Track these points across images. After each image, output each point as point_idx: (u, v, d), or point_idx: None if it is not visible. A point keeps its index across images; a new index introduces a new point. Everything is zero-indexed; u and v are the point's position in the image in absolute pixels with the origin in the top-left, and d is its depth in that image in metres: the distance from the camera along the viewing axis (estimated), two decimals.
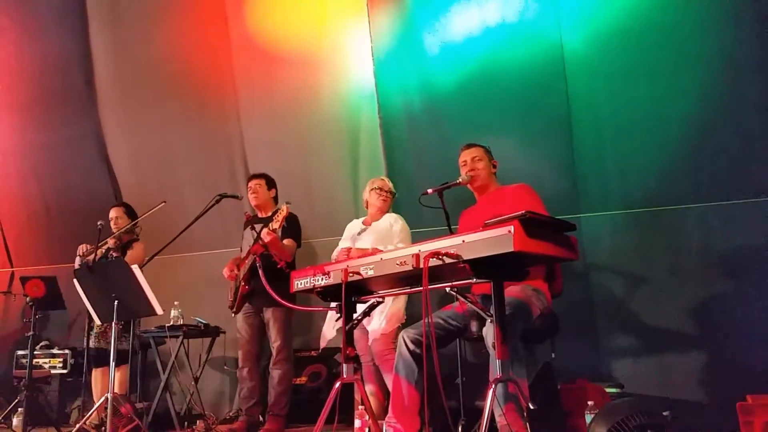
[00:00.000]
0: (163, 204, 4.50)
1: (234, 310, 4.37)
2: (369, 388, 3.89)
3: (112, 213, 4.98)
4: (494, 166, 3.47)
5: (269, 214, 4.52)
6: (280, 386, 4.20)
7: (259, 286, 4.13)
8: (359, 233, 4.12)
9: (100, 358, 4.64)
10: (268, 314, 4.28)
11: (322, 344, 4.10)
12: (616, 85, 4.33)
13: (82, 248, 4.75)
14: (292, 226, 4.27)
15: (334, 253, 4.12)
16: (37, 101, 6.00)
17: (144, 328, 4.77)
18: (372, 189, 4.18)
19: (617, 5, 4.29)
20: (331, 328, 4.03)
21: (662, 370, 4.09)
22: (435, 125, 4.78)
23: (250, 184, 4.54)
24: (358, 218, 4.36)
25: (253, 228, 4.36)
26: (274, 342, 4.24)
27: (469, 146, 3.50)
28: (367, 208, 4.26)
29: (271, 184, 4.60)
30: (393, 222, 4.03)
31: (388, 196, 4.16)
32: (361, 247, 3.92)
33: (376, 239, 3.95)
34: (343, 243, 4.16)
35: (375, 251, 3.79)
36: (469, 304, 2.48)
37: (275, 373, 4.21)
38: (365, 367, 3.96)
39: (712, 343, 4.02)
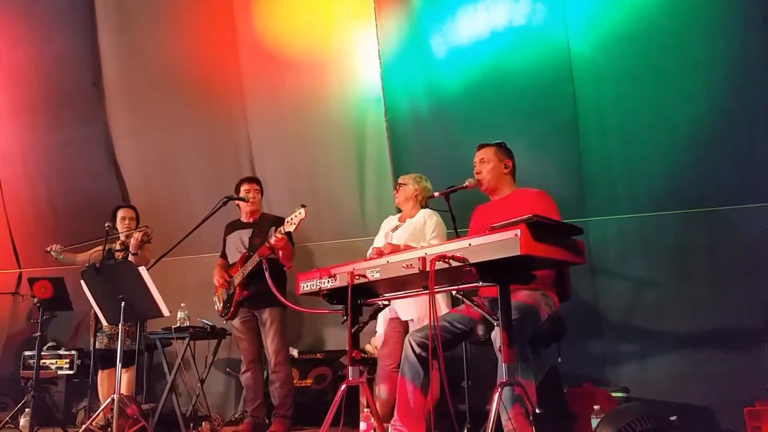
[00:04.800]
0: (146, 228, 4.75)
1: (229, 317, 4.37)
2: (383, 390, 3.82)
3: (123, 213, 4.98)
4: (506, 167, 3.32)
5: (257, 218, 4.51)
6: (283, 388, 4.21)
7: (257, 288, 4.15)
8: (393, 229, 4.03)
9: (106, 359, 4.66)
10: (266, 315, 4.28)
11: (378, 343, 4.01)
12: (623, 89, 4.33)
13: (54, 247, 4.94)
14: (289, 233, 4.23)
15: (369, 252, 3.95)
16: (45, 103, 6.03)
17: (150, 330, 4.78)
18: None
19: (624, 9, 4.28)
20: (381, 321, 3.92)
21: (669, 375, 4.08)
22: (442, 128, 4.78)
23: (247, 188, 4.50)
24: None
25: (257, 231, 4.37)
26: (272, 342, 4.24)
27: (480, 147, 3.39)
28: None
29: (261, 189, 4.62)
30: (427, 218, 3.89)
31: (400, 187, 4.08)
32: (393, 243, 3.73)
33: (410, 236, 3.86)
34: (377, 240, 4.07)
35: (407, 248, 3.70)
36: (475, 307, 2.47)
37: (278, 376, 4.22)
38: (383, 371, 3.85)
39: (719, 348, 4.00)
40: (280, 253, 4.09)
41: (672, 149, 4.24)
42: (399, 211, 4.23)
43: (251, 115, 5.49)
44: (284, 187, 5.41)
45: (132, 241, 4.66)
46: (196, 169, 5.73)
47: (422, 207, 4.01)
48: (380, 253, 3.21)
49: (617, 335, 4.32)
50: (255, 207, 4.51)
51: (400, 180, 4.13)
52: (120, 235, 4.88)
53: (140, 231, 4.70)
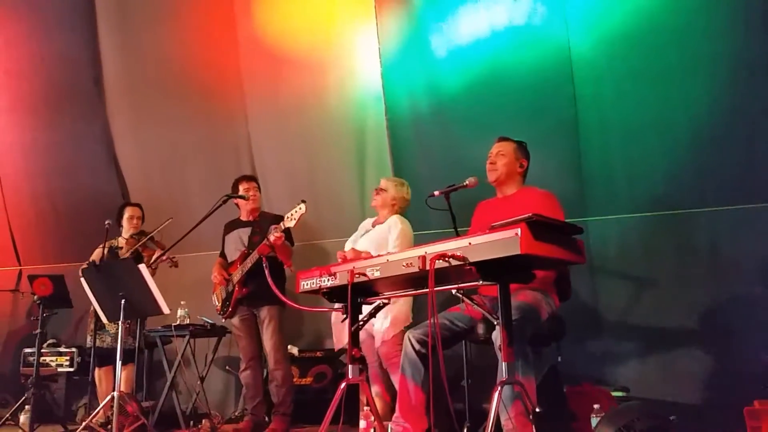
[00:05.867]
0: (170, 220, 4.69)
1: (227, 315, 4.38)
2: (375, 389, 3.88)
3: (130, 212, 5.01)
4: (521, 166, 3.32)
5: (257, 217, 4.51)
6: (283, 386, 4.21)
7: (256, 286, 4.16)
8: (363, 234, 4.09)
9: (106, 357, 4.66)
10: (264, 313, 4.28)
11: (338, 346, 4.07)
12: (623, 88, 4.32)
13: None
14: (288, 230, 4.18)
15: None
16: (45, 101, 6.04)
17: (150, 327, 4.79)
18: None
19: (625, 8, 4.28)
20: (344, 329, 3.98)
21: (668, 374, 4.08)
22: (442, 127, 4.78)
23: (246, 186, 4.48)
24: (364, 219, 4.35)
25: (257, 229, 4.37)
26: (270, 340, 4.23)
27: (501, 139, 3.38)
28: None
29: (259, 187, 4.60)
30: (392, 225, 3.93)
31: (378, 192, 4.10)
32: (356, 249, 3.82)
33: (373, 243, 3.89)
34: (350, 242, 4.11)
35: (367, 256, 3.77)
36: (475, 306, 2.47)
37: (277, 374, 4.22)
38: (371, 369, 3.95)
39: (719, 348, 3.99)
40: (281, 250, 4.10)
41: (672, 149, 4.23)
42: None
43: (251, 113, 5.49)
44: (284, 186, 5.41)
45: (155, 256, 4.67)
46: (196, 167, 5.73)
47: (397, 213, 4.05)
48: (344, 258, 3.22)
49: (617, 335, 4.31)
50: (255, 205, 4.50)
51: (382, 184, 4.14)
52: (124, 234, 4.90)
53: (160, 248, 4.73)
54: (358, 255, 3.37)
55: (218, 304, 4.44)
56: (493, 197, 3.42)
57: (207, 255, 5.23)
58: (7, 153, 6.27)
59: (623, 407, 2.83)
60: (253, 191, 4.49)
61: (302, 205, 3.77)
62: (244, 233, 4.44)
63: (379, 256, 2.65)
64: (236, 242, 4.44)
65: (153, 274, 3.85)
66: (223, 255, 4.58)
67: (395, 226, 3.91)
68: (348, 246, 4.02)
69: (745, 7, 4.01)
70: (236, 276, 4.26)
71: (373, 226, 4.12)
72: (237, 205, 4.52)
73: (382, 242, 3.87)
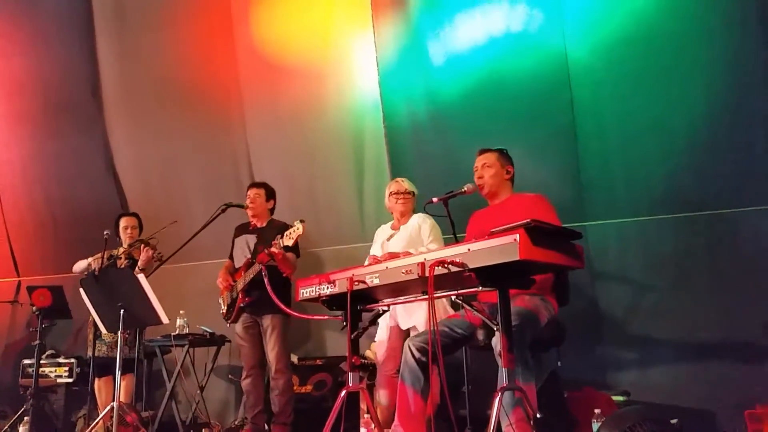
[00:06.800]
0: (174, 223, 4.62)
1: (231, 320, 4.38)
2: (383, 393, 3.81)
3: (125, 222, 5.00)
4: (508, 173, 3.35)
5: (264, 224, 4.52)
6: (284, 395, 4.20)
7: (259, 294, 4.16)
8: (389, 239, 4.01)
9: (105, 367, 4.65)
10: (267, 321, 4.28)
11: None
12: (621, 94, 4.33)
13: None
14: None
15: (367, 262, 4.00)
16: (44, 111, 6.05)
17: (150, 337, 4.78)
18: (389, 194, 4.07)
19: (622, 14, 4.29)
20: (383, 328, 3.91)
21: (669, 378, 4.07)
22: (440, 135, 4.79)
23: (249, 193, 4.52)
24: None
25: (261, 238, 4.37)
26: (272, 349, 4.23)
27: (483, 152, 3.40)
28: (392, 214, 4.14)
29: (270, 194, 4.59)
30: (421, 222, 3.90)
31: (407, 197, 4.02)
32: (393, 251, 3.67)
33: (407, 242, 3.84)
34: (374, 250, 4.04)
35: (406, 254, 3.72)
36: (475, 312, 2.47)
37: (278, 383, 4.21)
38: (383, 376, 3.84)
39: (720, 352, 3.99)
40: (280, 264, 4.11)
41: (671, 152, 4.24)
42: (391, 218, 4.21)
43: (250, 122, 5.50)
44: (283, 194, 5.37)
45: (143, 256, 4.65)
46: (195, 176, 5.73)
47: (413, 212, 4.04)
48: (378, 262, 3.20)
49: (617, 339, 4.31)
50: (255, 212, 4.50)
51: (408, 187, 4.06)
52: (123, 245, 4.91)
53: (150, 247, 4.69)
54: (395, 256, 3.29)
55: (224, 309, 4.45)
56: (486, 207, 3.44)
57: (206, 264, 5.23)
58: (5, 164, 6.28)
59: (624, 411, 2.83)
60: (252, 197, 4.48)
61: (299, 226, 3.75)
62: (251, 239, 4.46)
63: (407, 255, 2.62)
64: (243, 248, 4.47)
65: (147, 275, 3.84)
66: (231, 258, 4.60)
67: (425, 222, 3.90)
68: (372, 253, 3.98)
69: (741, 11, 4.03)
70: (240, 284, 4.27)
71: (394, 229, 4.05)
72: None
73: (415, 239, 3.84)
